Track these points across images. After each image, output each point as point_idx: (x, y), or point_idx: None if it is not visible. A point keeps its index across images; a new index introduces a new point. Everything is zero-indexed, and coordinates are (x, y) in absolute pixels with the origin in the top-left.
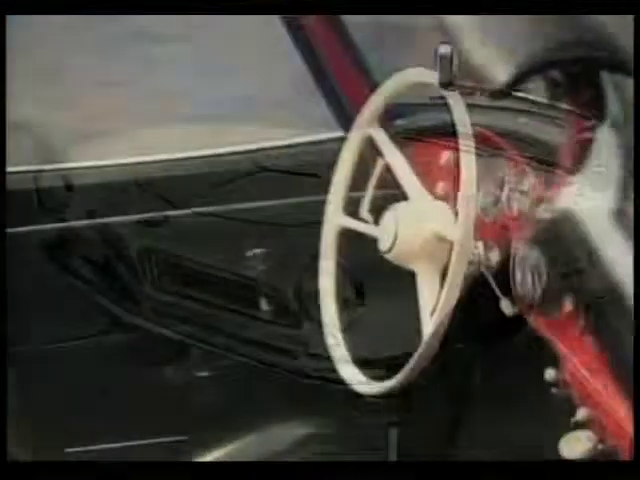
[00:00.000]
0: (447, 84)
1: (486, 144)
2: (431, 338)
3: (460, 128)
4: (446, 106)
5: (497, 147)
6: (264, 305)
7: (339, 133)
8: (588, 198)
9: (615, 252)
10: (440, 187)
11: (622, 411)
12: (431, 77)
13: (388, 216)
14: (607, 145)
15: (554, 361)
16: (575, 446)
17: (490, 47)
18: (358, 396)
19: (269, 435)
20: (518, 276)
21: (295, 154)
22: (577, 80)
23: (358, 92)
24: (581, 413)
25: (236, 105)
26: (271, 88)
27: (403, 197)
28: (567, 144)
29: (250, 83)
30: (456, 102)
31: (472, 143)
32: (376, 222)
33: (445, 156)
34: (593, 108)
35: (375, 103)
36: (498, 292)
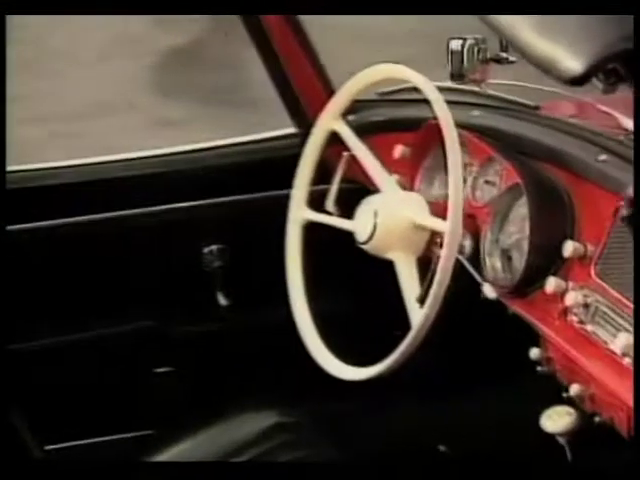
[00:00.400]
0: (458, 77)
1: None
2: (422, 324)
3: (443, 123)
4: (398, 102)
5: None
6: (222, 300)
7: (292, 130)
8: None
9: None
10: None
11: (616, 384)
12: (399, 73)
13: (365, 208)
14: None
15: (536, 341)
16: (556, 420)
17: (552, 42)
18: (340, 383)
19: (234, 425)
20: (488, 262)
21: (250, 151)
22: (632, 69)
23: (313, 90)
24: (574, 389)
25: None
26: None
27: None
28: None
29: None
30: (437, 99)
31: (456, 137)
32: (343, 215)
33: (399, 150)
34: None
35: (341, 99)
36: (478, 278)
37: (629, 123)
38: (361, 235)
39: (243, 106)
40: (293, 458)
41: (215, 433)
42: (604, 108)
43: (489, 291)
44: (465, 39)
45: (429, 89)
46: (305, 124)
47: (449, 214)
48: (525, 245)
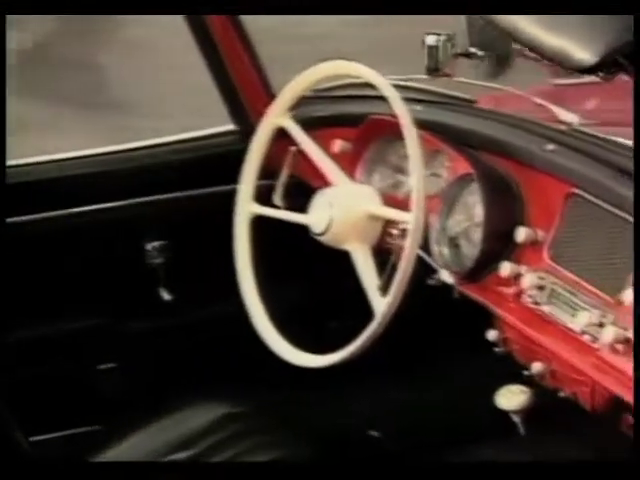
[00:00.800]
0: (434, 70)
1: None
2: (386, 312)
3: (402, 119)
4: (337, 98)
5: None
6: (165, 295)
7: (231, 126)
8: None
9: None
10: None
11: (578, 360)
12: (348, 70)
13: (320, 201)
14: None
15: (493, 323)
16: (511, 398)
17: (562, 37)
18: (287, 373)
19: (184, 417)
20: (436, 249)
21: (190, 148)
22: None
23: (253, 89)
24: (535, 367)
25: None
26: None
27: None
28: None
29: None
30: (394, 97)
31: (415, 132)
32: (290, 208)
33: (338, 144)
34: None
35: (288, 95)
36: (434, 265)
37: (565, 114)
38: (317, 227)
39: (107, 109)
40: (243, 448)
41: (164, 426)
42: (539, 101)
43: (446, 276)
44: (440, 34)
45: (385, 86)
46: (245, 121)
47: (413, 205)
48: (473, 233)
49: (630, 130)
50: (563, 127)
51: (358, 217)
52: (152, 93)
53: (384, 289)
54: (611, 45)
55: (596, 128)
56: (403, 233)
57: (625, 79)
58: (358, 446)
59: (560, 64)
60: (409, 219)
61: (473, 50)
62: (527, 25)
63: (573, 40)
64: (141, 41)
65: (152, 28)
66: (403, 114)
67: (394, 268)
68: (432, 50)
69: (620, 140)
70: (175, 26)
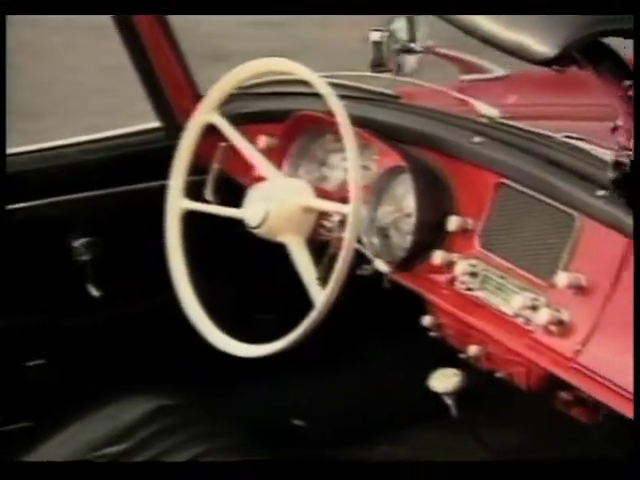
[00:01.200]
0: (379, 65)
1: (321, 126)
2: (326, 302)
3: (338, 114)
4: (260, 95)
5: (331, 129)
6: (94, 291)
7: (157, 124)
8: None
9: None
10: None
11: (513, 342)
12: (281, 67)
13: (255, 195)
14: None
15: (427, 310)
16: (444, 381)
17: (521, 32)
18: (218, 365)
19: (115, 411)
20: (366, 240)
21: (117, 145)
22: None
23: (179, 87)
24: (471, 350)
25: None
26: None
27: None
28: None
29: None
30: (329, 94)
31: (350, 126)
32: (221, 203)
33: (263, 140)
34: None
35: (218, 91)
36: (369, 255)
37: (485, 108)
38: (253, 220)
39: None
40: (175, 441)
41: (96, 421)
42: (458, 95)
43: (381, 265)
44: (383, 31)
45: (319, 83)
46: (170, 119)
47: (351, 197)
48: (403, 223)
49: (549, 123)
50: (485, 120)
51: (294, 210)
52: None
53: (322, 279)
54: (568, 40)
55: (516, 121)
56: (340, 225)
57: (537, 73)
58: (285, 436)
59: (520, 57)
60: (348, 211)
61: (412, 46)
62: (488, 23)
63: (533, 35)
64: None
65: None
66: (338, 109)
67: (331, 259)
68: (376, 46)
69: (543, 132)
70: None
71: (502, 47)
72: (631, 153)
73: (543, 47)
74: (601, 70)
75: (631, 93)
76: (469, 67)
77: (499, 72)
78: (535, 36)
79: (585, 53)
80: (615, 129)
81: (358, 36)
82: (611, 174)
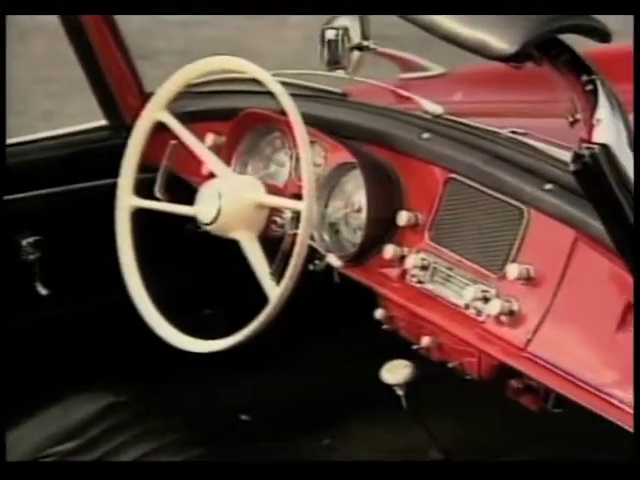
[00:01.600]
0: (334, 63)
1: (269, 124)
2: (280, 297)
3: (290, 113)
4: (205, 94)
5: (279, 127)
6: (42, 290)
7: (103, 122)
8: None
9: None
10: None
11: (464, 333)
12: (232, 65)
13: (207, 192)
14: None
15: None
16: (395, 373)
17: (481, 29)
18: (169, 361)
19: (67, 408)
20: (317, 235)
21: (64, 144)
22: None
23: (126, 86)
24: (424, 341)
25: None
26: None
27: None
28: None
29: None
30: (280, 92)
31: (302, 124)
32: (170, 200)
33: (210, 138)
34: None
35: (167, 90)
36: (321, 250)
37: (429, 105)
38: (205, 217)
39: None
40: (126, 438)
41: (47, 419)
42: (405, 93)
43: (333, 260)
44: (337, 29)
45: (270, 82)
46: (117, 117)
47: (304, 193)
48: (353, 219)
49: (494, 119)
50: (430, 117)
51: (246, 206)
52: None
53: (276, 274)
54: (526, 38)
55: (460, 117)
56: (292, 221)
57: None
58: (232, 431)
59: (481, 54)
60: (302, 207)
61: (365, 43)
62: (450, 22)
63: (493, 34)
64: None
65: None
66: (290, 107)
67: (285, 254)
68: (331, 44)
69: (489, 127)
70: None
71: (463, 45)
72: (591, 145)
73: (503, 44)
74: (559, 66)
75: (589, 87)
76: (409, 65)
77: (438, 70)
78: (495, 34)
79: (543, 50)
80: (574, 123)
81: (293, 36)
82: (572, 166)
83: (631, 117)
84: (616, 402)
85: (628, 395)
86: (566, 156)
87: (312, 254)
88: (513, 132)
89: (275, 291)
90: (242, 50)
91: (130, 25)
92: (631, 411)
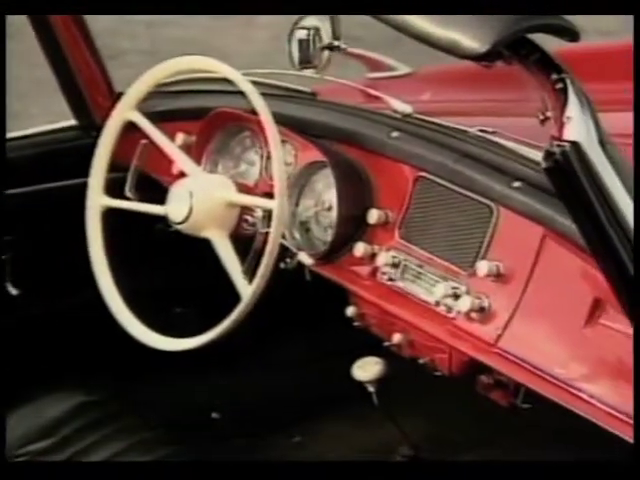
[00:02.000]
0: (306, 63)
1: (239, 123)
2: (253, 295)
3: (261, 112)
4: (174, 93)
5: (249, 126)
6: (12, 290)
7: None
8: None
9: None
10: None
11: (435, 329)
12: (203, 65)
13: (178, 191)
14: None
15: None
16: (367, 370)
17: (452, 29)
18: (141, 360)
19: (39, 408)
20: (287, 234)
21: (33, 143)
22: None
23: (95, 85)
24: (395, 338)
25: None
26: None
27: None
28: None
29: None
30: (251, 91)
31: (273, 122)
32: (141, 200)
33: (180, 138)
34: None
35: (138, 89)
36: (292, 248)
37: (399, 104)
38: (177, 216)
39: None
40: (99, 436)
41: (20, 418)
42: (374, 92)
43: (305, 258)
44: (309, 29)
45: (241, 81)
46: (87, 117)
47: (276, 191)
48: (323, 217)
49: (462, 118)
50: (400, 116)
51: (218, 205)
52: None
53: (249, 273)
54: (497, 37)
55: (429, 116)
56: (263, 219)
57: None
58: (203, 429)
59: (452, 54)
60: (273, 205)
61: (336, 43)
62: (422, 22)
63: (464, 33)
64: None
65: None
66: (261, 106)
67: (256, 253)
68: (302, 43)
69: (458, 126)
70: None
71: (435, 45)
72: (562, 143)
73: (474, 44)
74: (529, 65)
75: (559, 86)
76: (376, 65)
77: (405, 70)
78: (466, 34)
79: (513, 49)
80: (544, 120)
81: (260, 36)
82: (543, 164)
83: (631, 117)
84: (585, 396)
85: (597, 389)
86: (534, 154)
87: (283, 252)
88: (482, 131)
89: (247, 289)
90: (209, 50)
91: (96, 25)
92: (601, 406)
